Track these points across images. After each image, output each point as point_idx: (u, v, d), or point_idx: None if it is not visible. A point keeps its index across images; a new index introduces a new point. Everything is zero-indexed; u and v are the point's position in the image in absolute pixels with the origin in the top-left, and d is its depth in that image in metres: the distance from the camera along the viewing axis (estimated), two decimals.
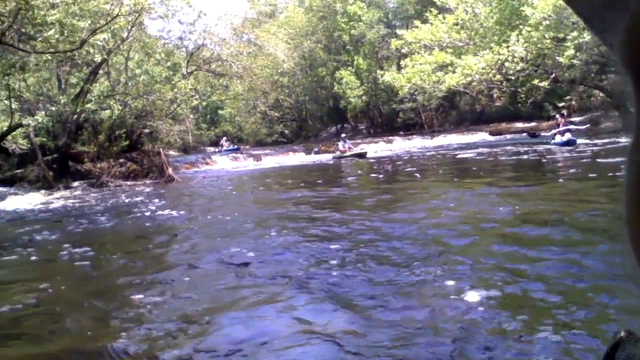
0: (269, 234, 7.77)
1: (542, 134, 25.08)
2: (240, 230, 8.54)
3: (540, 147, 20.67)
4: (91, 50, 18.41)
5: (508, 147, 22.37)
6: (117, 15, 18.16)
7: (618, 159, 12.19)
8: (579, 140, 20.93)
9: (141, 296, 5.04)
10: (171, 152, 34.60)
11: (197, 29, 26.05)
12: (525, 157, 17.79)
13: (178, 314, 4.42)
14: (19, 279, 6.32)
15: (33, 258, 7.49)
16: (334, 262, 5.77)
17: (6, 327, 4.50)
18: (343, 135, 30.59)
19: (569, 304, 3.85)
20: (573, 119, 23.25)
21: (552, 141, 21.47)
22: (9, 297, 5.29)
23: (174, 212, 11.51)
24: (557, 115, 23.02)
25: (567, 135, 21.04)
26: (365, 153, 27.07)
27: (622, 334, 0.46)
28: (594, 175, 10.80)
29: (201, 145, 51.29)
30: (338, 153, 27.91)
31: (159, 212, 11.65)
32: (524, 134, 28.20)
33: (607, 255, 4.89)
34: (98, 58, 19.10)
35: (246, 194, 15.51)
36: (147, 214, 11.65)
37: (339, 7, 45.18)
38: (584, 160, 14.49)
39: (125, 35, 20.49)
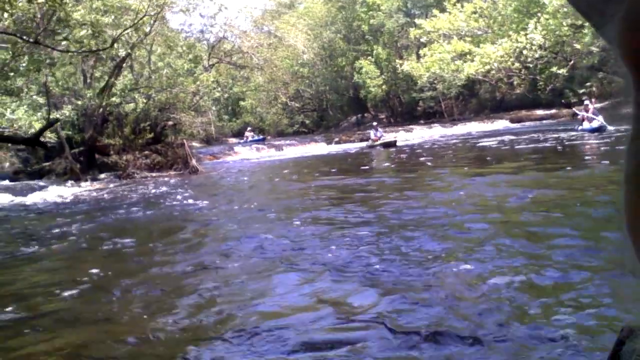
0: (299, 222, 8.17)
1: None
2: (270, 218, 8.94)
3: (566, 134, 20.61)
4: (115, 45, 18.99)
5: (534, 134, 22.25)
6: (145, 13, 18.63)
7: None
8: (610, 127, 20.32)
9: (187, 283, 5.45)
10: (194, 144, 35.13)
11: (217, 22, 26.65)
12: (553, 143, 17.69)
13: (225, 299, 4.76)
14: (61, 267, 6.73)
15: (73, 248, 7.91)
16: (363, 247, 6.13)
17: (59, 312, 4.76)
18: (375, 123, 29.65)
19: (585, 287, 4.18)
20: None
21: (580, 127, 21.03)
22: (54, 287, 5.60)
23: (202, 202, 11.96)
24: (586, 101, 22.59)
25: (597, 122, 20.57)
26: (396, 141, 26.76)
27: (626, 331, 0.54)
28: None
29: (223, 137, 51.69)
30: (370, 142, 27.37)
31: (188, 203, 12.10)
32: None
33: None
34: (122, 52, 19.63)
35: (271, 184, 15.95)
36: (176, 204, 12.09)
37: None
38: (610, 146, 14.66)
39: (148, 29, 20.96)
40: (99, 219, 10.65)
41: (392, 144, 26.26)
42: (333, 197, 10.83)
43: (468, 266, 4.97)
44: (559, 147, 16.71)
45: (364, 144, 28.53)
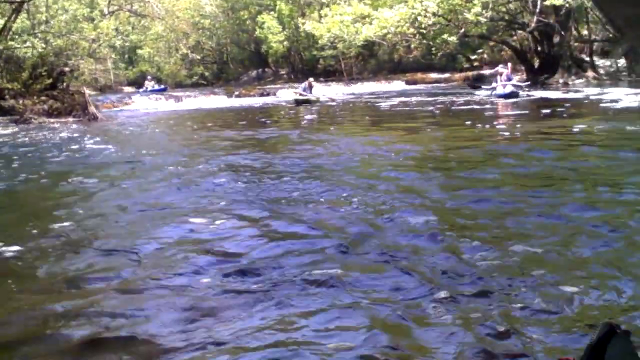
0: (196, 170, 8.88)
1: (483, 86, 24.85)
2: (168, 165, 9.56)
3: (456, 98, 21.67)
4: None
5: (448, 98, 22.59)
6: None
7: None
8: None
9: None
10: (88, 92, 34.38)
11: None
12: (475, 107, 18.34)
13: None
14: None
15: None
16: (257, 195, 6.97)
17: None
18: (311, 79, 27.39)
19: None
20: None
21: (494, 92, 21.27)
22: None
23: (104, 149, 12.34)
24: (500, 66, 23.38)
25: (510, 87, 20.92)
26: (318, 99, 25.48)
27: (605, 330, 0.55)
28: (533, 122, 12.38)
29: (118, 85, 50.43)
30: (298, 97, 25.28)
31: (90, 149, 12.45)
32: (468, 87, 27.63)
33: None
34: None
35: (172, 133, 16.44)
36: (78, 150, 12.39)
37: None
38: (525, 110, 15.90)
39: None
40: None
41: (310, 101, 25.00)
42: (229, 146, 11.57)
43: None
44: (452, 108, 18.11)
45: (265, 98, 28.62)
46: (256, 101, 29.34)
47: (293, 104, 24.72)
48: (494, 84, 22.10)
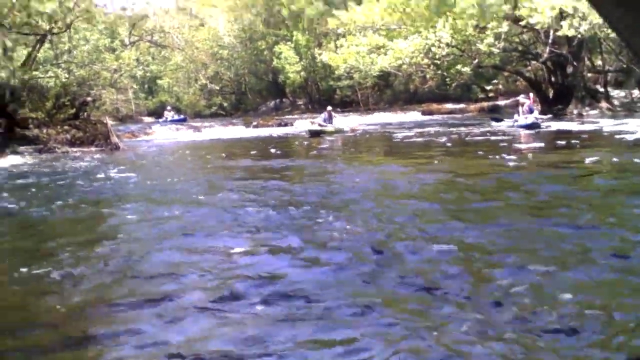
0: (223, 198, 9.23)
1: (505, 118, 24.23)
2: (196, 194, 9.93)
3: (474, 129, 21.74)
4: (39, 20, 19.27)
5: (465, 129, 22.68)
6: None
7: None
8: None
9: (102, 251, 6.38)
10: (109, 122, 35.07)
11: None
12: (490, 137, 18.42)
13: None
14: None
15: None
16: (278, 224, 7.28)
17: None
18: (330, 108, 26.59)
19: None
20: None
21: (516, 124, 21.09)
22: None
23: (128, 179, 12.73)
24: (521, 97, 22.75)
25: (532, 117, 20.73)
26: (340, 129, 25.20)
27: None
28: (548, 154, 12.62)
29: (138, 115, 51.31)
30: (313, 127, 24.90)
31: (114, 179, 12.84)
32: (489, 120, 26.10)
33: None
34: (46, 27, 19.83)
35: (193, 163, 16.86)
36: (102, 180, 12.76)
37: None
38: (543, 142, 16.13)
39: (71, 5, 21.15)
40: (29, 192, 11.22)
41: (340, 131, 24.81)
42: (250, 175, 11.92)
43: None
44: (466, 139, 18.35)
45: (282, 129, 28.52)
46: (274, 131, 29.70)
47: (307, 135, 24.24)
48: (515, 116, 21.83)
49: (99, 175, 13.32)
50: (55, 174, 14.15)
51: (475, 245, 5.45)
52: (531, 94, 23.54)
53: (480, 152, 13.89)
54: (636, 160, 11.04)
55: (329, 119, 25.17)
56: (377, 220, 6.73)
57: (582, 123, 22.18)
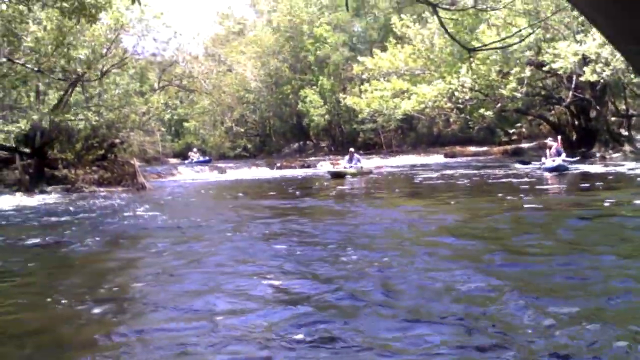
0: (246, 235, 9.42)
1: (533, 161, 24.27)
2: (221, 231, 10.14)
3: (497, 171, 21.89)
4: (73, 65, 19.98)
5: (489, 171, 22.85)
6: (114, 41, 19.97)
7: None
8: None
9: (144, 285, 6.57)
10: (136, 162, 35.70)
11: (170, 46, 27.51)
12: (513, 180, 18.36)
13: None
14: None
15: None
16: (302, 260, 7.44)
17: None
18: (352, 149, 26.89)
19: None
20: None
21: (543, 167, 20.87)
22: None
23: (154, 218, 13.00)
24: (549, 140, 22.47)
25: (559, 160, 20.46)
26: (370, 171, 25.73)
27: None
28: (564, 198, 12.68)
29: (164, 157, 52.18)
30: (336, 169, 25.17)
31: (142, 218, 13.12)
32: (516, 162, 26.14)
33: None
34: (79, 71, 20.48)
35: (217, 202, 17.15)
36: (130, 219, 13.06)
37: (305, 29, 47.13)
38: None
39: (104, 51, 21.85)
40: (55, 231, 11.51)
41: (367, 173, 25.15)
42: (274, 214, 12.12)
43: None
44: (489, 181, 18.44)
45: (305, 170, 28.68)
46: (297, 173, 30.02)
47: (328, 177, 24.24)
48: (543, 159, 21.59)
49: (126, 214, 13.62)
50: (84, 212, 14.49)
51: (496, 279, 5.55)
52: (559, 137, 23.04)
53: (500, 194, 13.95)
54: None
55: (350, 160, 25.31)
56: (399, 256, 6.86)
57: (606, 165, 22.13)
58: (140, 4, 8.44)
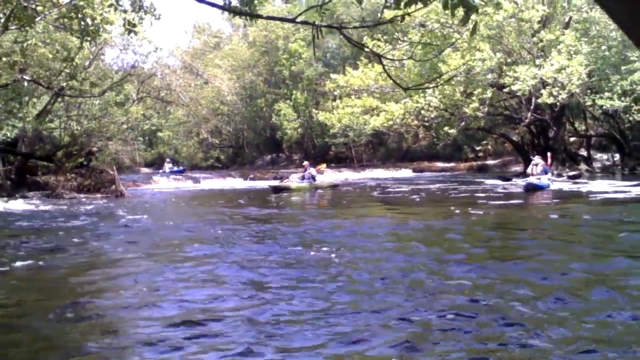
0: (226, 239, 10.47)
1: (514, 178, 24.93)
2: (196, 235, 11.16)
3: (482, 187, 22.78)
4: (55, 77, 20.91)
5: (454, 185, 24.14)
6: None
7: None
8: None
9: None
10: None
11: (149, 59, 28.38)
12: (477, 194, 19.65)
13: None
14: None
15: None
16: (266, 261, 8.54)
17: None
18: (306, 163, 26.78)
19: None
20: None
21: (524, 183, 20.61)
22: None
23: (137, 221, 13.96)
24: (536, 157, 21.99)
25: (545, 178, 20.33)
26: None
27: None
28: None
29: (136, 166, 52.62)
30: (278, 183, 25.15)
31: (122, 221, 14.06)
32: (497, 179, 26.51)
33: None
34: (63, 83, 21.31)
35: (194, 209, 18.14)
36: (112, 222, 14.00)
37: (280, 44, 48.26)
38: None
39: (87, 64, 22.76)
40: (40, 233, 12.38)
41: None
42: (247, 221, 13.19)
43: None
44: (445, 195, 19.69)
45: (278, 182, 28.03)
46: (270, 184, 30.89)
47: (271, 192, 23.43)
48: (529, 175, 21.02)
49: (107, 219, 14.57)
50: (65, 217, 15.25)
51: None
52: (549, 154, 22.85)
53: (453, 207, 15.15)
54: (581, 213, 12.43)
55: (303, 177, 25.12)
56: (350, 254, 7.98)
57: (560, 183, 23.09)
58: (136, 33, 9.41)
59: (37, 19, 10.18)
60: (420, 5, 3.85)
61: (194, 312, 5.42)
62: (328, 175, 33.35)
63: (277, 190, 23.63)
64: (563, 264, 7.28)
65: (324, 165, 28.08)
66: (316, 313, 5.24)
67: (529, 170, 21.37)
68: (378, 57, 5.37)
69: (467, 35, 23.19)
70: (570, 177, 22.62)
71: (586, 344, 4.33)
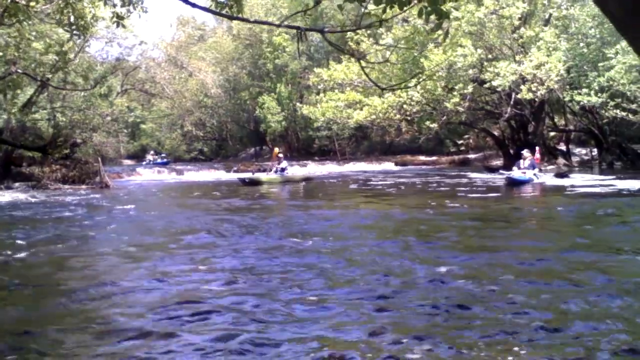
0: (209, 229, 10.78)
1: (501, 170, 25.08)
2: (181, 225, 11.46)
3: (465, 180, 23.19)
4: (42, 69, 20.96)
5: (435, 179, 24.46)
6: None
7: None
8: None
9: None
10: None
11: (134, 52, 28.54)
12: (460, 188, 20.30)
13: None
14: None
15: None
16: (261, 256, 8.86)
17: None
18: (278, 151, 27.20)
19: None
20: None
21: (509, 175, 20.55)
22: None
23: (124, 211, 14.23)
24: (525, 151, 22.01)
25: (530, 173, 20.45)
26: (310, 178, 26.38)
27: None
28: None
29: (119, 158, 52.62)
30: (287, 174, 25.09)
31: (107, 212, 14.33)
32: (483, 172, 27.03)
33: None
34: (48, 75, 21.39)
35: (178, 200, 18.41)
36: (97, 213, 14.25)
37: (265, 37, 48.31)
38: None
39: (72, 56, 22.79)
40: (26, 224, 12.61)
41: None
42: (233, 211, 13.50)
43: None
44: (426, 188, 20.12)
45: (261, 174, 27.87)
46: (239, 177, 30.97)
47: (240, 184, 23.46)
48: (515, 168, 21.25)
49: (93, 210, 14.80)
50: (52, 208, 15.47)
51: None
52: (537, 148, 23.09)
53: (430, 199, 15.56)
54: (554, 208, 12.90)
55: (276, 169, 25.27)
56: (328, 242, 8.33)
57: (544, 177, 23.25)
58: (125, 27, 9.67)
59: (33, 14, 10.32)
60: (397, 10, 4.16)
61: (182, 296, 5.69)
62: (312, 168, 33.74)
63: (247, 182, 23.62)
64: (535, 252, 7.69)
65: (277, 149, 27.67)
66: (299, 301, 5.54)
67: (518, 164, 21.49)
68: (357, 59, 5.69)
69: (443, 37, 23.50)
70: (556, 176, 22.88)
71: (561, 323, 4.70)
